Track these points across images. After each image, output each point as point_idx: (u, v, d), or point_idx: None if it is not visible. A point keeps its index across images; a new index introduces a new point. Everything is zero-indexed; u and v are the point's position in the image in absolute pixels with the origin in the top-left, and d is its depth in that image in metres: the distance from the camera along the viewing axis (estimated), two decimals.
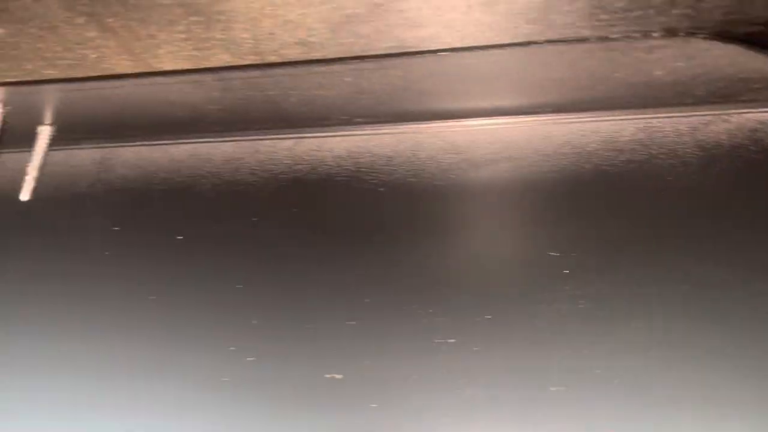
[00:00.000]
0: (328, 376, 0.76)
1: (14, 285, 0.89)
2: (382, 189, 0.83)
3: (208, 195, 0.88)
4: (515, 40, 0.66)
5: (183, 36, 0.69)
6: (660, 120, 0.78)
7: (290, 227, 0.84)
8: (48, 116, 0.87)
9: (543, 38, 0.67)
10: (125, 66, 0.75)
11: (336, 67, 0.70)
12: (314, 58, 0.72)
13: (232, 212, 0.86)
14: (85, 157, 0.93)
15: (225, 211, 0.86)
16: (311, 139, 0.87)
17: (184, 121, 0.86)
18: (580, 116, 0.80)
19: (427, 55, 0.70)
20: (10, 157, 0.89)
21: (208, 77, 0.74)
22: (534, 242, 0.76)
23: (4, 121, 0.84)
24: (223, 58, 0.73)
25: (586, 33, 0.66)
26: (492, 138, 0.82)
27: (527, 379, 0.71)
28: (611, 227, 0.76)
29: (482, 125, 0.83)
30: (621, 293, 0.72)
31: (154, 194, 0.89)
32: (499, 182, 0.80)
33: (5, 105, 0.83)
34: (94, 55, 0.73)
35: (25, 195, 0.87)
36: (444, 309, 0.76)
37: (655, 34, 0.65)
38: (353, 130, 0.86)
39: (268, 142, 0.88)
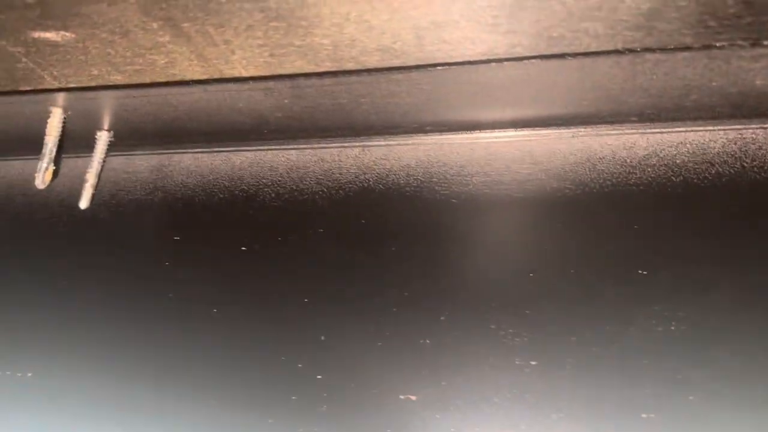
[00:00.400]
0: (402, 397, 0.73)
1: (73, 294, 0.87)
2: (454, 200, 0.79)
3: (271, 205, 0.85)
4: (615, 47, 0.62)
5: (260, 42, 0.66)
6: (754, 131, 0.74)
7: (357, 239, 0.81)
8: (107, 121, 0.85)
9: (642, 46, 0.63)
10: (195, 72, 0.72)
11: (415, 74, 0.67)
12: (394, 65, 0.68)
13: (296, 223, 0.83)
14: (142, 163, 0.90)
15: (289, 221, 0.83)
16: (379, 147, 0.84)
17: (246, 128, 0.83)
18: (666, 126, 0.76)
19: (513, 61, 0.66)
20: (69, 163, 0.86)
21: (282, 84, 0.71)
22: (622, 260, 0.72)
23: (64, 127, 0.82)
24: (299, 65, 0.70)
25: (688, 41, 0.62)
26: (572, 148, 0.78)
27: (617, 406, 0.68)
28: (702, 244, 0.72)
29: (561, 135, 0.79)
30: (716, 315, 0.68)
31: (215, 203, 0.86)
32: (582, 195, 0.76)
33: (66, 110, 0.81)
34: (163, 61, 0.70)
35: (84, 203, 0.85)
36: (526, 329, 0.72)
37: (765, 42, 0.60)
38: (423, 139, 0.82)
39: (334, 150, 0.85)
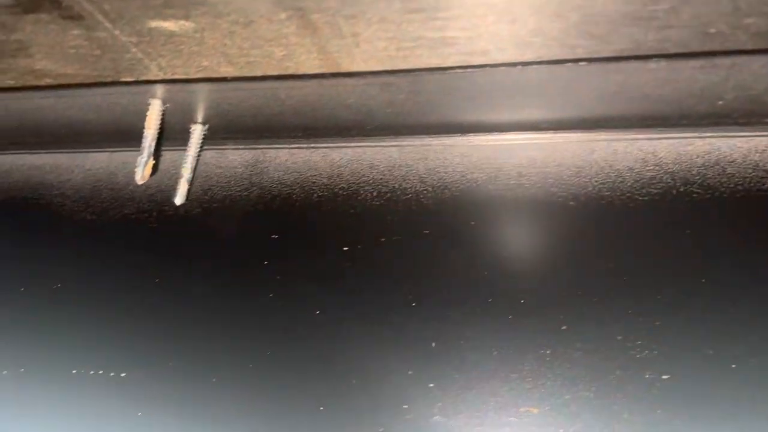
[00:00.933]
0: (522, 409, 0.70)
1: (165, 294, 0.84)
2: (572, 203, 0.76)
3: (372, 204, 0.81)
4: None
5: (390, 35, 0.62)
6: None
7: (466, 242, 0.77)
8: (202, 114, 0.82)
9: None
10: (312, 65, 0.68)
11: (556, 68, 0.63)
12: (527, 60, 0.64)
13: (400, 223, 0.80)
14: (236, 158, 0.87)
15: (392, 221, 0.80)
16: (488, 145, 0.80)
17: (350, 123, 0.80)
18: None
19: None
20: (166, 157, 0.83)
21: (402, 79, 0.67)
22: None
23: (163, 120, 0.79)
24: (424, 60, 0.66)
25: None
26: (698, 150, 0.74)
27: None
28: None
29: (684, 137, 0.75)
30: None
31: (314, 201, 0.83)
32: (711, 199, 0.72)
33: (165, 102, 0.78)
34: (281, 53, 0.67)
35: (179, 199, 0.82)
36: (656, 340, 0.68)
37: None
38: (537, 136, 0.78)
39: (438, 148, 0.81)
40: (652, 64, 0.62)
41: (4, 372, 0.86)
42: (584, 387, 0.69)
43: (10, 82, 0.76)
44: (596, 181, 0.75)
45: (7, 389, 0.85)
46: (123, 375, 0.81)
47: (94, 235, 0.88)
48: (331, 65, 0.68)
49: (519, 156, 0.79)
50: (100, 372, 0.82)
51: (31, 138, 0.91)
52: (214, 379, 0.79)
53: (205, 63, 0.70)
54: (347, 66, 0.68)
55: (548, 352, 0.71)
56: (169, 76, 0.72)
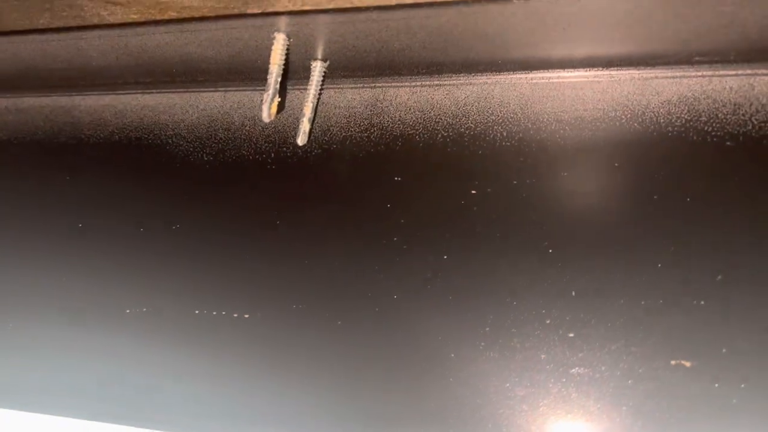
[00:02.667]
0: (673, 362, 0.65)
1: (285, 237, 0.82)
2: (729, 143, 0.69)
3: (503, 145, 0.77)
4: None
5: None
6: None
7: (610, 185, 0.72)
8: (322, 50, 0.78)
9: None
10: None
11: None
12: None
13: (533, 165, 0.75)
14: (355, 97, 0.84)
15: (523, 164, 0.75)
16: (631, 79, 0.73)
17: (479, 57, 0.75)
18: None
19: None
20: (290, 95, 0.81)
21: (550, 7, 0.62)
22: None
23: (287, 56, 0.75)
24: None
25: None
26: None
27: None
28: None
29: None
30: None
31: (439, 142, 0.79)
32: None
33: (289, 37, 0.74)
34: None
35: (302, 139, 0.79)
36: None
37: None
38: (689, 71, 0.71)
39: (577, 81, 0.75)
40: None
41: (127, 311, 0.87)
42: (742, 339, 0.64)
43: (134, 16, 0.74)
44: (756, 120, 0.69)
45: (131, 326, 0.86)
46: (246, 316, 0.81)
47: (211, 175, 0.87)
48: None
49: (669, 92, 0.72)
50: (223, 313, 0.81)
51: (145, 77, 0.90)
52: (339, 322, 0.77)
53: None
54: None
55: (702, 303, 0.66)
56: (298, 7, 0.69)
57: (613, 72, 0.74)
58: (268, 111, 0.74)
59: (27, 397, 0.94)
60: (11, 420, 0.97)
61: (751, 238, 0.66)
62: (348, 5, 0.68)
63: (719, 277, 0.66)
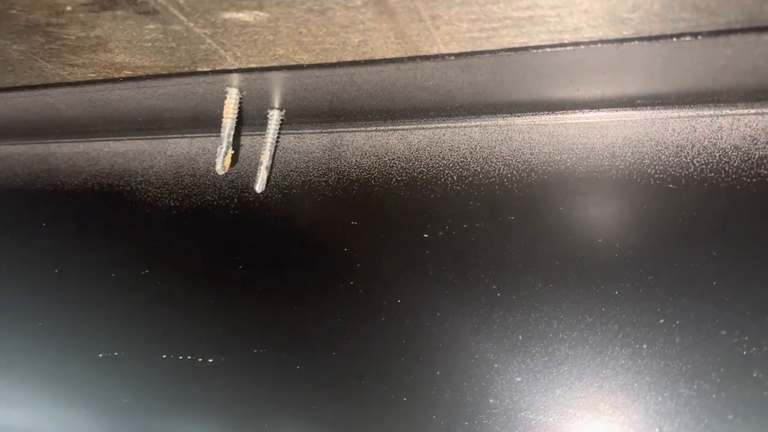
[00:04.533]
0: (615, 408, 0.66)
1: (248, 279, 0.85)
2: (672, 186, 0.70)
3: (454, 189, 0.78)
4: None
5: (472, 16, 0.58)
6: None
7: (554, 229, 0.73)
8: (279, 100, 0.80)
9: None
10: (389, 50, 0.65)
11: (656, 44, 0.57)
12: (624, 36, 0.59)
13: (483, 209, 0.76)
14: (314, 142, 0.85)
15: (475, 207, 0.77)
16: (577, 124, 0.75)
17: (427, 105, 0.76)
18: None
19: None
20: (245, 142, 0.83)
21: (485, 60, 0.63)
22: None
23: (240, 107, 0.78)
24: (509, 40, 0.61)
25: None
26: None
27: None
28: None
29: None
30: None
31: (393, 186, 0.80)
32: None
33: (241, 91, 0.77)
34: (357, 39, 0.64)
35: (259, 186, 0.81)
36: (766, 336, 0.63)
37: None
38: (632, 114, 0.72)
39: (523, 127, 0.77)
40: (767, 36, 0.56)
41: (100, 355, 0.90)
42: (685, 385, 0.65)
43: (92, 75, 0.77)
44: (698, 162, 0.69)
45: (100, 371, 0.89)
46: (210, 361, 0.83)
47: (178, 221, 0.89)
48: (409, 49, 0.65)
49: (613, 135, 0.73)
50: (189, 357, 0.84)
51: (114, 126, 0.93)
52: (297, 366, 0.79)
53: (281, 51, 0.68)
54: (426, 49, 0.64)
55: (645, 346, 0.67)
56: (244, 66, 0.71)
57: (559, 116, 0.75)
58: (222, 164, 0.76)
59: None
60: None
61: (692, 284, 0.67)
62: (291, 63, 0.70)
63: (661, 320, 0.67)
